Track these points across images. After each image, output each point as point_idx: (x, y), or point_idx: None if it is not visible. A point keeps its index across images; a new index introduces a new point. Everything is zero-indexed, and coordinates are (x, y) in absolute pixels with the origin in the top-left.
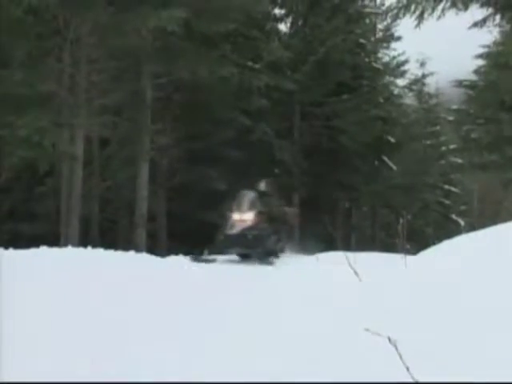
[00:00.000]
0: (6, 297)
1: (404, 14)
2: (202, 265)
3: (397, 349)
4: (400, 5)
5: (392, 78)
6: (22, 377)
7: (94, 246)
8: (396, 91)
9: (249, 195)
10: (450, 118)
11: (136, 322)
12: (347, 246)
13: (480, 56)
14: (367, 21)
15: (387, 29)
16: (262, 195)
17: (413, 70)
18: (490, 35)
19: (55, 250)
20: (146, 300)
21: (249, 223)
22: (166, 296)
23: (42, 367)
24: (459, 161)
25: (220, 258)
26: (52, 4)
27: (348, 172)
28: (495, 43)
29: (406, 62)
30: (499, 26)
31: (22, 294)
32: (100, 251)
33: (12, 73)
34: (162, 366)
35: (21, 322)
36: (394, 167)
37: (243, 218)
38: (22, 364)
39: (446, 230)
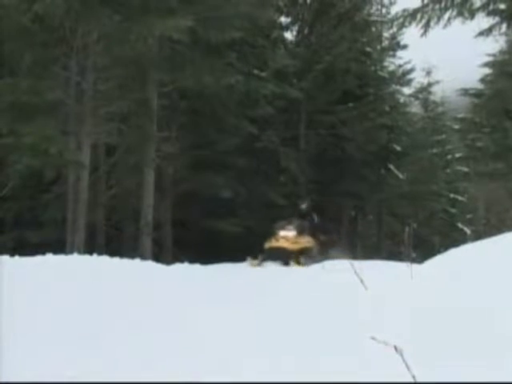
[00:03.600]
0: (10, 303)
1: (410, 23)
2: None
3: (403, 357)
4: (406, 13)
5: (398, 87)
6: (21, 377)
7: (100, 253)
8: (402, 100)
9: None
10: (456, 127)
11: (137, 331)
12: (353, 255)
13: (486, 65)
14: (373, 29)
15: (393, 37)
16: None
17: (419, 78)
18: (496, 44)
19: (61, 258)
20: (148, 308)
21: None
22: (169, 305)
23: (40, 370)
24: (465, 169)
25: None
26: (58, 12)
27: (354, 180)
28: (501, 52)
29: (411, 70)
30: (505, 34)
31: (26, 301)
32: (105, 259)
33: (19, 81)
34: (163, 373)
35: (22, 327)
36: (400, 175)
37: None
38: (21, 366)
39: (452, 239)
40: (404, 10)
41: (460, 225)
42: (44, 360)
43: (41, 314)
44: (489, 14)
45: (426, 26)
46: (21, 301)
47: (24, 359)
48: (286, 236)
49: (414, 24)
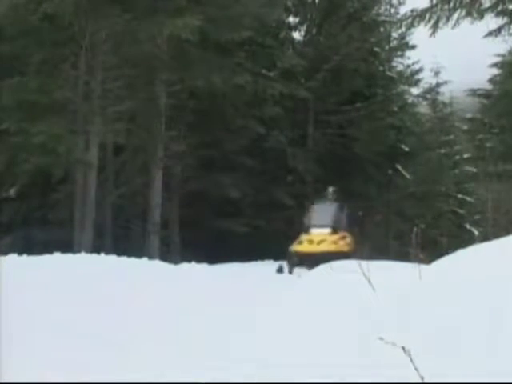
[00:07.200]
0: (15, 301)
1: (419, 23)
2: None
3: (411, 358)
4: (415, 13)
5: (406, 87)
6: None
7: (107, 252)
8: (410, 100)
9: None
10: (465, 127)
11: (139, 329)
12: (360, 255)
13: (495, 65)
14: (382, 29)
15: (402, 37)
16: None
17: (427, 78)
18: (505, 44)
19: (69, 257)
20: (153, 307)
21: None
22: (174, 303)
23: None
24: (473, 170)
25: None
26: (67, 12)
27: (361, 180)
28: (510, 52)
29: (420, 70)
30: None
31: (33, 299)
32: (113, 258)
33: (27, 80)
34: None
35: (27, 326)
36: (408, 176)
37: None
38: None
39: (460, 240)
40: (413, 10)
41: (468, 226)
42: (44, 360)
43: (45, 314)
44: (498, 14)
45: (435, 27)
46: (28, 300)
47: (24, 359)
48: None
49: (422, 24)
